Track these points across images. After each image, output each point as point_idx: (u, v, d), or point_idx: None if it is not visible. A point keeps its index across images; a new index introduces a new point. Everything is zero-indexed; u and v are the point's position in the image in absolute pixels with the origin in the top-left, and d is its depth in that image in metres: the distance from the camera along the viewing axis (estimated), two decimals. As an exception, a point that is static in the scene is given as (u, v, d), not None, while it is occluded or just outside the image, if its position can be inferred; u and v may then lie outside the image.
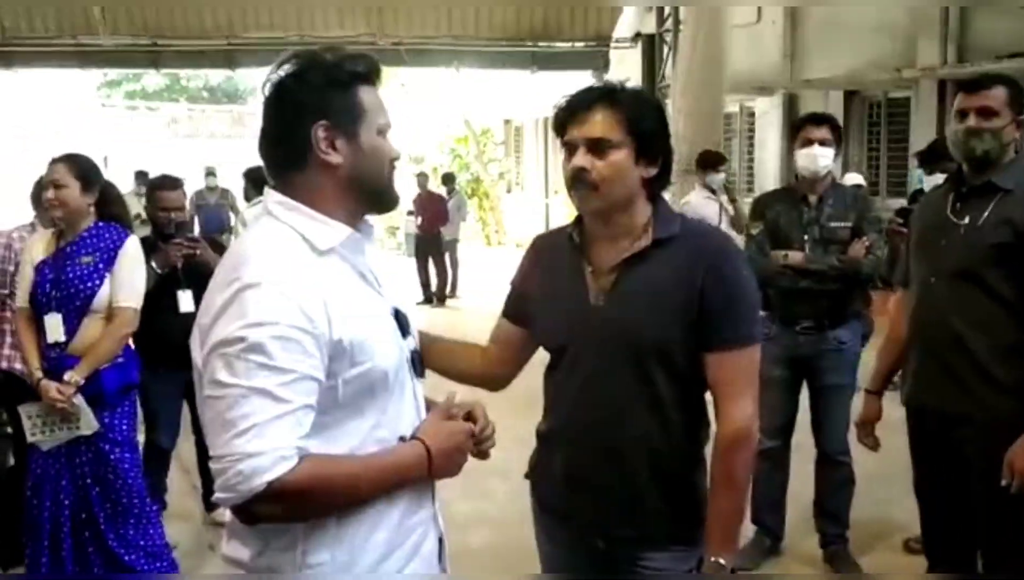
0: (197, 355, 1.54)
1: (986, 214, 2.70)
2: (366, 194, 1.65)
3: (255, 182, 6.07)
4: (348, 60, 1.63)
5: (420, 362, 1.78)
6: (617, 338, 1.91)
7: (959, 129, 2.76)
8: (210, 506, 4.54)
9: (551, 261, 2.06)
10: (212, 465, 1.47)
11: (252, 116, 32.93)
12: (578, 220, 2.03)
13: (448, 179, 13.51)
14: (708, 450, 2.00)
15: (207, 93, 33.12)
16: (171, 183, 4.46)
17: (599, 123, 1.88)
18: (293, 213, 1.60)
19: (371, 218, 1.72)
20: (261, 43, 12.04)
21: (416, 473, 1.64)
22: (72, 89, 25.70)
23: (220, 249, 4.45)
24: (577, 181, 1.91)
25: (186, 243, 4.22)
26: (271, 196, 1.63)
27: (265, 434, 1.43)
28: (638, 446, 1.94)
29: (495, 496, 4.34)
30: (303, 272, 1.53)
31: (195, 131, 30.06)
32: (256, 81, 30.42)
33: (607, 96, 1.91)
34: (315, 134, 1.58)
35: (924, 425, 2.94)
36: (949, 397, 2.79)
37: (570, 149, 1.93)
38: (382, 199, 1.69)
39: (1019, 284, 2.66)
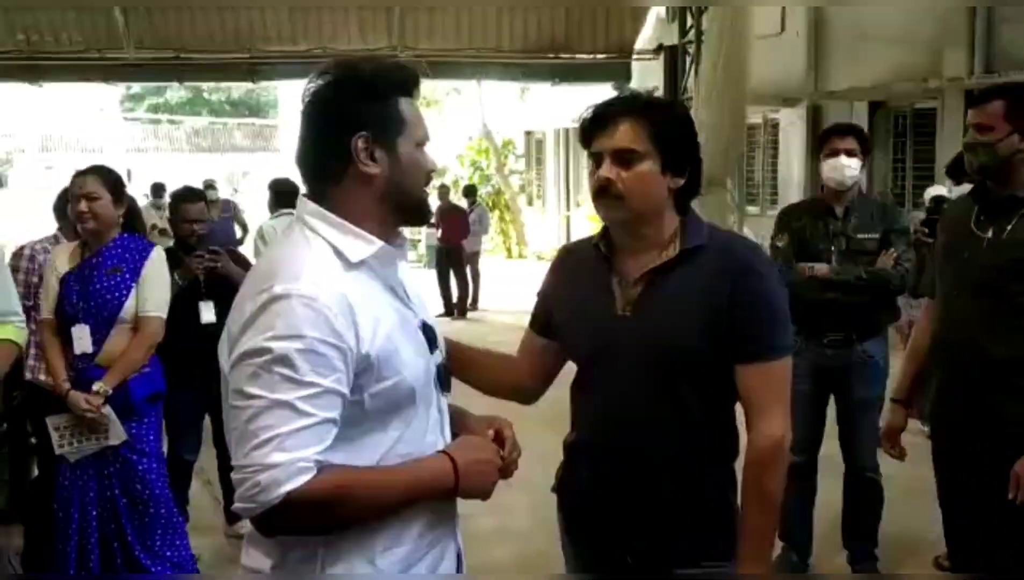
0: (224, 363, 1.54)
1: (1009, 228, 2.70)
2: (402, 206, 1.63)
3: (279, 194, 6.08)
4: (388, 70, 1.62)
5: (447, 377, 1.75)
6: (644, 350, 1.88)
7: (964, 144, 2.82)
8: (232, 518, 4.53)
9: (577, 272, 2.04)
10: (233, 475, 1.47)
11: (274, 129, 33.31)
12: (605, 230, 2.00)
13: (470, 192, 13.52)
14: (739, 463, 1.95)
15: (229, 106, 33.42)
16: (193, 195, 4.50)
17: (624, 134, 1.86)
18: (326, 224, 1.58)
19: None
20: (283, 56, 12.11)
21: (442, 487, 1.60)
22: (96, 103, 25.98)
23: (241, 261, 4.46)
24: (603, 192, 1.89)
25: (208, 255, 4.22)
26: (305, 205, 1.62)
27: (284, 446, 1.43)
28: (667, 460, 1.90)
29: (518, 510, 4.30)
30: (333, 285, 1.51)
31: (217, 144, 30.32)
32: (278, 94, 30.77)
33: (633, 106, 1.89)
34: (355, 145, 1.56)
35: (946, 438, 2.93)
36: (971, 409, 2.78)
37: (596, 160, 1.91)
38: (417, 212, 1.68)
39: None
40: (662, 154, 1.86)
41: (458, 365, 1.93)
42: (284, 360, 1.44)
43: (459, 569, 1.75)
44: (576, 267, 2.05)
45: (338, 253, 1.56)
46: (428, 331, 1.68)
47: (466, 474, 1.60)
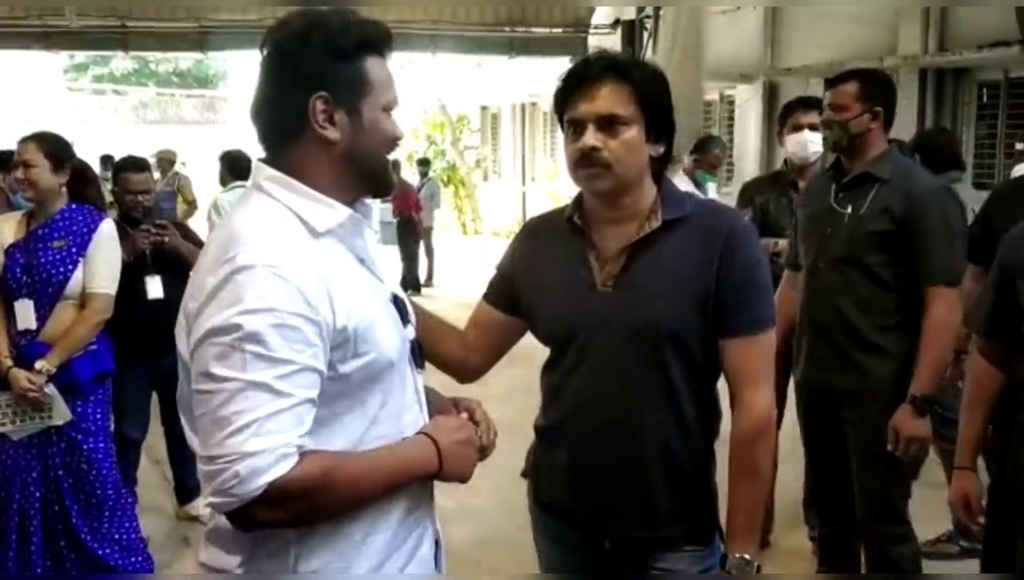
0: (183, 344, 1.41)
1: (867, 203, 2.90)
2: (363, 175, 1.52)
3: (231, 166, 5.93)
4: (358, 25, 1.49)
5: (420, 352, 1.65)
6: (630, 325, 1.79)
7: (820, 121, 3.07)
8: (183, 499, 4.42)
9: (548, 246, 1.94)
10: (203, 466, 1.33)
11: (223, 101, 32.64)
12: (578, 202, 1.90)
13: (422, 163, 13.32)
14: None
15: (177, 78, 32.66)
16: (137, 165, 4.33)
17: (608, 98, 1.75)
18: (287, 191, 1.46)
19: None
20: (233, 26, 11.79)
21: (425, 470, 1.52)
22: (38, 72, 25.25)
23: (190, 236, 4.31)
24: (586, 161, 1.77)
25: (154, 229, 4.07)
26: (262, 170, 1.49)
27: (264, 431, 1.31)
28: (652, 441, 1.82)
29: (478, 490, 4.23)
30: (302, 254, 1.40)
31: (164, 116, 29.69)
32: (228, 66, 30.16)
33: (615, 68, 1.78)
34: (313, 105, 1.45)
35: (813, 401, 3.13)
36: (838, 375, 2.98)
37: (577, 127, 1.79)
38: (379, 181, 1.56)
39: (899, 268, 2.86)
40: (646, 119, 1.77)
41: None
42: (255, 337, 1.32)
43: (437, 553, 1.67)
44: (546, 241, 1.95)
45: (303, 221, 1.45)
46: (399, 304, 1.58)
47: (448, 457, 1.52)
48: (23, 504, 3.42)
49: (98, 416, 3.54)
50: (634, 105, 1.76)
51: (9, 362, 3.35)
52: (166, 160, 10.39)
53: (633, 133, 1.76)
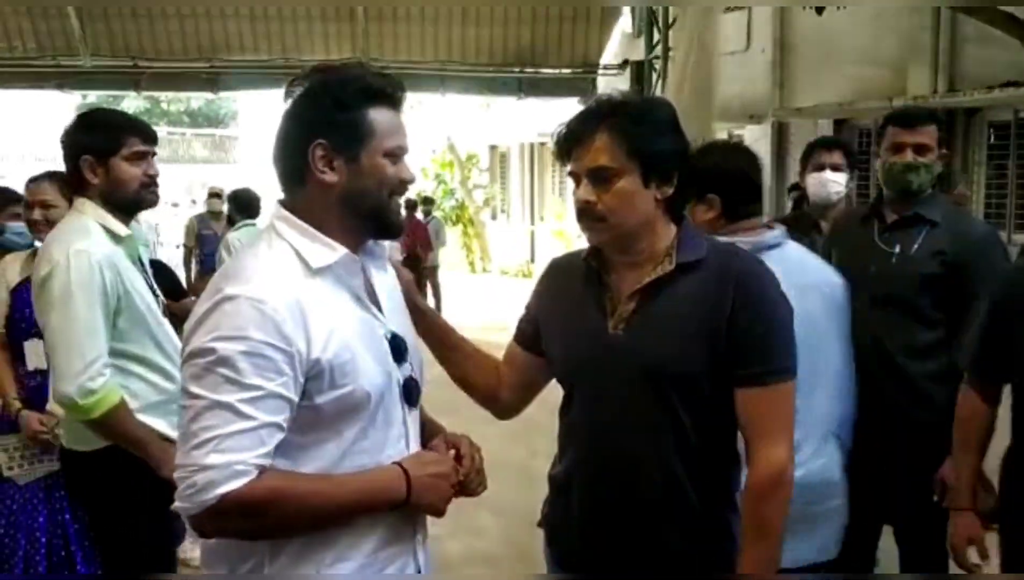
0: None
1: (917, 245, 2.84)
2: (364, 216, 1.63)
3: (239, 205, 5.93)
4: (358, 79, 1.61)
5: (415, 391, 1.67)
6: (637, 368, 1.74)
7: (897, 162, 2.87)
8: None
9: (567, 287, 1.90)
10: (174, 474, 1.48)
11: (233, 140, 32.88)
12: (595, 245, 1.87)
13: (426, 202, 13.34)
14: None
15: (188, 117, 32.96)
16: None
17: (599, 151, 1.74)
18: (292, 230, 1.59)
19: None
20: (244, 66, 11.90)
21: (391, 498, 1.57)
22: (51, 112, 25.52)
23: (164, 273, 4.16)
24: (583, 214, 1.77)
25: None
26: (277, 211, 1.64)
27: (222, 448, 1.44)
28: (662, 489, 1.76)
29: (488, 533, 4.15)
30: (286, 289, 1.51)
31: (175, 155, 29.89)
32: (238, 105, 30.40)
33: (607, 119, 1.75)
34: (312, 152, 1.57)
35: (859, 447, 2.90)
36: (883, 418, 2.82)
37: (575, 179, 1.79)
38: (382, 223, 1.65)
39: (947, 311, 2.78)
40: (642, 165, 1.73)
41: (442, 344, 1.92)
42: (226, 361, 1.45)
43: None
44: (565, 282, 1.92)
45: (301, 258, 1.57)
46: (396, 342, 1.64)
47: (418, 487, 1.58)
48: (29, 551, 3.35)
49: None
50: (625, 154, 1.73)
51: (18, 404, 3.29)
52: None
53: (625, 183, 1.74)
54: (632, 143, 1.73)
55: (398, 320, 1.70)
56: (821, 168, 3.72)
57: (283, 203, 1.63)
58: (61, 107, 25.87)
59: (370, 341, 1.59)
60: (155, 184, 2.72)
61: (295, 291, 1.51)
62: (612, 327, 1.79)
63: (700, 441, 1.76)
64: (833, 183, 3.70)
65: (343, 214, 1.60)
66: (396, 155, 1.62)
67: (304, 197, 1.60)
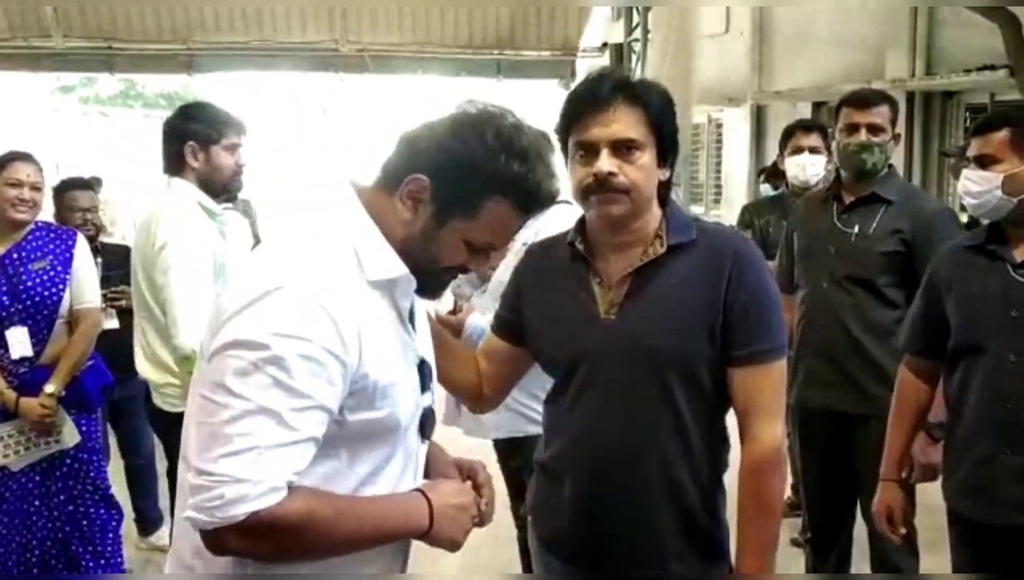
0: (206, 343, 1.36)
1: (875, 224, 2.92)
2: (411, 267, 1.49)
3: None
4: (543, 180, 1.48)
5: (431, 423, 1.58)
6: (633, 354, 1.73)
7: (850, 143, 2.93)
8: (145, 530, 4.35)
9: (550, 272, 1.88)
10: (191, 478, 1.31)
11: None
12: (580, 227, 1.85)
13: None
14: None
15: (164, 101, 32.59)
16: (83, 183, 4.35)
17: (624, 121, 1.69)
18: (360, 228, 1.45)
19: None
20: (220, 48, 11.75)
21: (414, 527, 1.46)
22: (23, 95, 25.13)
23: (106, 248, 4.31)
24: (602, 187, 1.70)
25: (110, 294, 4.02)
26: (350, 196, 1.48)
27: (262, 461, 1.28)
28: (657, 473, 1.76)
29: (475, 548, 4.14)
30: (348, 293, 1.38)
31: (152, 139, 29.64)
32: (215, 88, 30.12)
33: (626, 90, 1.72)
34: (419, 180, 1.44)
35: (814, 423, 3.14)
36: (846, 398, 2.98)
37: (588, 150, 1.71)
38: (423, 285, 1.53)
39: (907, 289, 2.84)
40: (658, 144, 1.72)
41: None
42: (281, 362, 1.29)
43: None
44: (548, 268, 1.89)
45: (360, 263, 1.43)
46: (424, 370, 1.53)
47: (440, 519, 1.45)
48: (26, 537, 3.35)
49: (96, 434, 3.53)
50: (647, 129, 1.71)
51: (13, 394, 3.27)
52: None
53: (647, 158, 1.72)
54: (654, 119, 1.71)
55: (426, 344, 1.61)
56: (799, 151, 3.76)
57: (359, 193, 1.48)
58: (34, 89, 25.51)
59: (408, 367, 1.50)
60: (242, 172, 3.08)
61: (355, 295, 1.38)
62: (604, 312, 1.77)
63: (694, 423, 1.76)
64: (810, 166, 3.71)
65: (401, 249, 1.47)
66: (478, 250, 1.50)
67: (391, 203, 1.46)
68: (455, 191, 1.43)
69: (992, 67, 8.10)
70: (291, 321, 1.30)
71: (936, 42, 9.17)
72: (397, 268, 1.45)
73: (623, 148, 1.70)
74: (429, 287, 1.54)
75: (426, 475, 1.61)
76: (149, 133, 29.83)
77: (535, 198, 1.48)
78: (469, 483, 1.60)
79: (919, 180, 8.96)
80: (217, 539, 1.31)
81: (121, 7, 11.37)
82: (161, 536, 4.21)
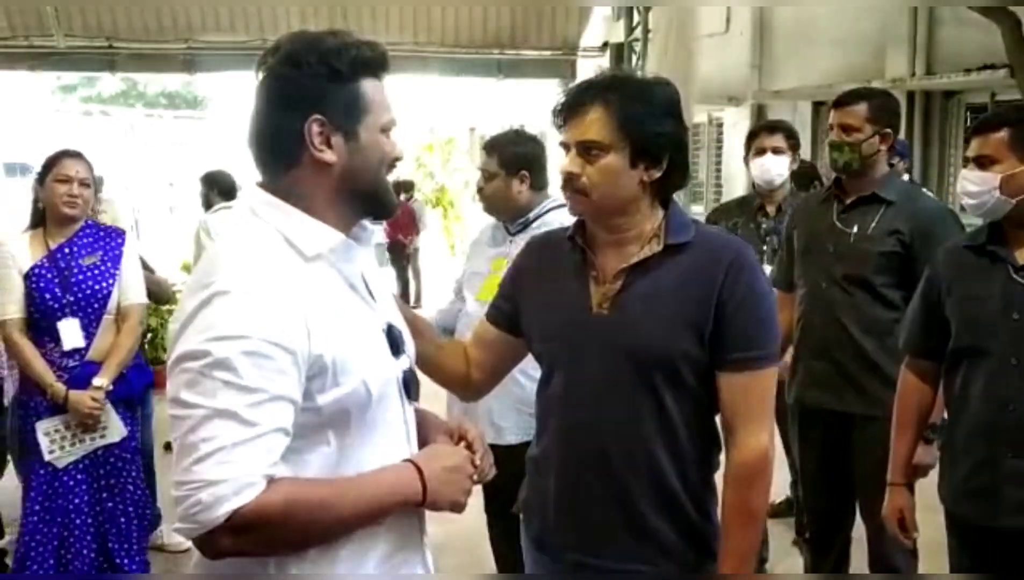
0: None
1: (874, 224, 2.93)
2: (362, 197, 1.51)
3: (222, 187, 5.86)
4: (353, 47, 1.46)
5: (415, 385, 1.59)
6: (620, 348, 1.74)
7: (826, 142, 3.01)
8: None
9: (550, 265, 1.90)
10: (173, 491, 1.33)
11: (212, 124, 32.57)
12: (581, 221, 1.87)
13: (407, 187, 13.30)
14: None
15: (165, 100, 32.61)
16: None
17: (591, 124, 1.73)
18: (280, 214, 1.46)
19: None
20: (221, 47, 11.76)
21: (406, 497, 1.45)
22: (24, 94, 25.15)
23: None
24: (567, 185, 1.78)
25: None
26: (257, 194, 1.49)
27: (230, 460, 1.29)
28: (643, 469, 1.76)
29: (462, 516, 4.16)
30: (283, 279, 1.38)
31: (153, 139, 29.59)
32: (216, 87, 30.14)
33: (603, 93, 1.74)
34: (309, 128, 1.44)
35: (813, 422, 3.13)
36: (844, 397, 2.98)
37: (566, 150, 1.79)
38: (379, 202, 1.55)
39: (905, 290, 2.82)
40: (631, 145, 1.72)
41: (412, 329, 1.79)
42: (225, 363, 1.30)
43: None
44: (549, 260, 1.91)
45: (292, 245, 1.43)
46: (393, 334, 1.53)
47: (434, 484, 1.45)
48: (64, 534, 3.36)
49: (137, 431, 3.58)
50: (617, 132, 1.72)
51: (63, 387, 3.29)
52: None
53: (611, 159, 1.73)
54: (625, 121, 1.72)
55: (391, 309, 1.62)
56: (762, 152, 3.78)
57: (263, 186, 1.49)
58: (35, 88, 25.54)
59: (370, 334, 1.49)
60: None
61: (292, 281, 1.38)
62: (596, 306, 1.79)
63: (681, 422, 1.76)
64: (773, 167, 3.74)
65: (340, 195, 1.47)
66: (388, 130, 1.52)
67: (295, 179, 1.46)
68: (340, 104, 1.44)
69: (992, 67, 8.12)
70: (227, 323, 1.32)
71: (936, 42, 9.19)
72: (331, 237, 1.46)
73: (587, 150, 1.74)
74: (385, 201, 1.55)
75: (421, 446, 1.61)
76: (150, 132, 29.87)
77: (373, 58, 1.48)
78: (462, 444, 1.59)
79: (919, 179, 8.97)
80: (209, 544, 1.33)
81: (122, 7, 11.38)
82: (160, 534, 4.21)
